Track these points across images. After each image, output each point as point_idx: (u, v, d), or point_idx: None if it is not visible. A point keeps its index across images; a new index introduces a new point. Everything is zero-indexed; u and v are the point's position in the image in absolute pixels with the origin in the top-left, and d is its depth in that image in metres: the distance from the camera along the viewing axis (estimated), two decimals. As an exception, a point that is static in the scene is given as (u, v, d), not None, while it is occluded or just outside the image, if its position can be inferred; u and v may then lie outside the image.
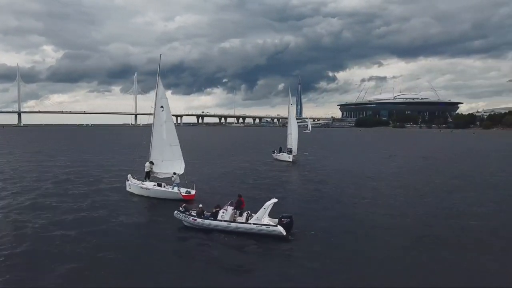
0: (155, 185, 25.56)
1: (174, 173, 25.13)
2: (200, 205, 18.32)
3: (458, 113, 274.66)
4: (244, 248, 14.86)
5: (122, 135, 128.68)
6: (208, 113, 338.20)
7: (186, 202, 21.15)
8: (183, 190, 23.90)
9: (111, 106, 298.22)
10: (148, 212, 21.86)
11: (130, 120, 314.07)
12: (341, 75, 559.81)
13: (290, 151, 46.00)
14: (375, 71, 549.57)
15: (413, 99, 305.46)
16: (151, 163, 26.79)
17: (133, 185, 26.36)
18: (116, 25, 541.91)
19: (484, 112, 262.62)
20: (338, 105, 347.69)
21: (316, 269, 12.36)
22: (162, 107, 26.94)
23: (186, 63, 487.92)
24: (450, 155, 54.76)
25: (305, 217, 18.38)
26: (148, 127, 28.37)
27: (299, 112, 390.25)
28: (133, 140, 60.76)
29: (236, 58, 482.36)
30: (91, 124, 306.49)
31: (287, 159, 45.11)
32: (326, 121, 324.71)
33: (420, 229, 17.06)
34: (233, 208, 17.43)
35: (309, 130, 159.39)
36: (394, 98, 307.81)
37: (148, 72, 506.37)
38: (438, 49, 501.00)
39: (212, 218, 17.22)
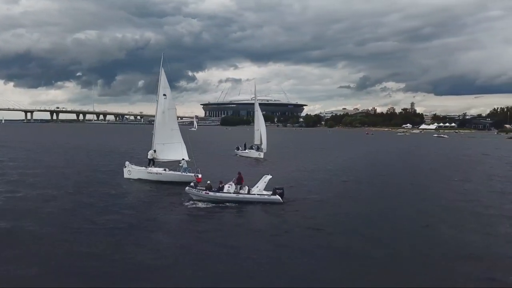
0: (164, 170, 28.09)
1: (183, 159, 28.09)
2: (208, 182, 21.14)
3: (308, 114, 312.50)
4: (251, 212, 18.78)
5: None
6: (64, 109, 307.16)
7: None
8: (191, 174, 26.42)
9: None
10: (156, 193, 23.86)
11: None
12: (200, 75, 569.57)
13: (257, 148, 44.96)
14: (231, 73, 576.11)
15: (268, 100, 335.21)
16: (155, 151, 29.24)
17: (136, 171, 28.31)
18: None
19: (325, 113, 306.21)
20: (201, 104, 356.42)
21: (304, 221, 17.08)
22: (164, 95, 30.39)
23: (33, 52, 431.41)
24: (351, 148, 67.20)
25: (289, 190, 22.32)
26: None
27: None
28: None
29: (93, 51, 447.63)
30: None
31: (256, 155, 43.59)
32: (191, 120, 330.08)
33: (355, 192, 24.21)
34: (235, 183, 20.99)
35: (194, 128, 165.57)
36: (252, 99, 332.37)
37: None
38: (285, 56, 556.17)
39: (221, 192, 20.38)
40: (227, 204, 19.91)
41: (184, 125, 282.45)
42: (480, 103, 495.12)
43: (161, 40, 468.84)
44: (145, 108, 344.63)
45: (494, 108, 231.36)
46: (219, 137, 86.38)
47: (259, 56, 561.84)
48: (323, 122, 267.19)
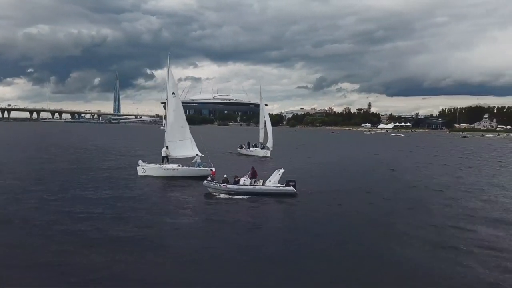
0: (179, 166, 28.74)
1: (197, 154, 28.95)
2: (225, 175, 21.94)
3: (269, 113, 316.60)
4: (268, 203, 19.89)
5: None
6: (16, 107, 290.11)
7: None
8: (206, 168, 27.14)
9: None
10: (174, 188, 24.39)
11: None
12: (159, 73, 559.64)
13: (263, 146, 44.10)
14: (191, 71, 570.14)
15: (229, 100, 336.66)
16: (167, 147, 29.77)
17: (151, 168, 28.66)
18: None
19: (286, 113, 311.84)
20: (161, 103, 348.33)
21: (315, 210, 18.34)
22: (173, 94, 31.11)
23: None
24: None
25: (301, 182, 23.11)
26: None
27: (117, 108, 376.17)
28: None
29: (45, 47, 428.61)
30: None
31: (262, 154, 42.76)
32: (152, 118, 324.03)
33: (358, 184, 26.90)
34: (250, 177, 21.84)
35: (164, 126, 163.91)
36: (213, 98, 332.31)
37: None
38: (244, 55, 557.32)
39: (239, 185, 21.31)
40: (245, 196, 20.80)
41: (146, 124, 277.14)
42: (427, 104, 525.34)
43: (119, 37, 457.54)
44: (103, 107, 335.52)
45: (443, 109, 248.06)
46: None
47: (219, 56, 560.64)
48: (284, 122, 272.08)
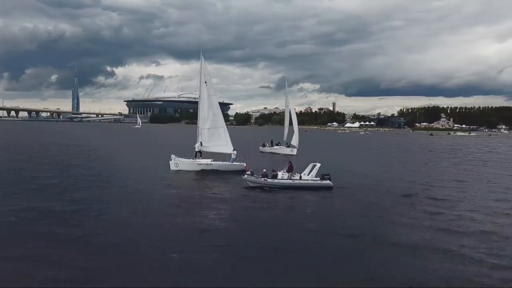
0: (212, 160, 29.54)
1: (234, 150, 29.97)
2: (264, 170, 22.87)
3: (237, 112, 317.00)
4: (309, 196, 20.88)
5: None
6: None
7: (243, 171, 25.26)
8: (240, 163, 28.49)
9: None
10: (210, 181, 25.12)
11: None
12: (120, 71, 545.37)
13: (289, 145, 43.86)
14: (153, 69, 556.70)
15: (195, 98, 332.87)
16: (201, 143, 30.46)
17: (184, 163, 29.27)
18: None
19: (253, 112, 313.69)
20: (125, 101, 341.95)
21: (352, 202, 19.55)
22: (205, 82, 31.76)
23: None
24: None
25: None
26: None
27: (76, 106, 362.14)
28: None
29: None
30: None
31: (288, 152, 42.47)
32: (116, 117, 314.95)
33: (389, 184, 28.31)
34: (287, 170, 23.15)
35: (139, 125, 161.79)
36: (178, 96, 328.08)
37: None
38: (208, 54, 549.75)
39: (278, 179, 22.37)
40: (283, 189, 21.69)
41: (111, 123, 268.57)
42: (384, 104, 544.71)
43: (78, 33, 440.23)
44: (61, 105, 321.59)
45: (401, 109, 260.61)
46: (174, 136, 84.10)
47: (182, 54, 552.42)
48: (252, 121, 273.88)
